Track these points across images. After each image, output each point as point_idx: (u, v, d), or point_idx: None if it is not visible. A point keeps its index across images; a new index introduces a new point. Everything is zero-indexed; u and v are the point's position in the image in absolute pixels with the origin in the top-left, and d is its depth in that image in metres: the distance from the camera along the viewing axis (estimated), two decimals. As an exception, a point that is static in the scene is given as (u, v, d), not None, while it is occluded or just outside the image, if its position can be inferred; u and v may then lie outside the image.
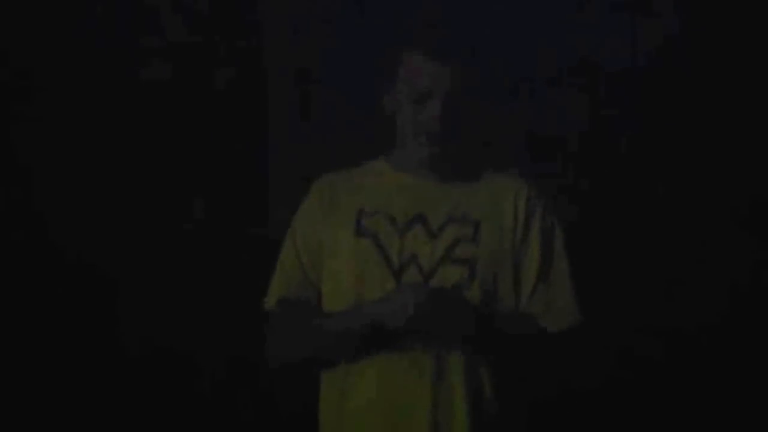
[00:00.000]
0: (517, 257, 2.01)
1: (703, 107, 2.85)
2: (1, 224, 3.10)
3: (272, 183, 3.21)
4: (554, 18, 2.82)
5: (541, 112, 2.93)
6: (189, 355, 3.10)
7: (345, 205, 2.06)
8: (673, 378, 2.69)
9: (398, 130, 2.08)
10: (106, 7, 3.15)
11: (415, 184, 2.06)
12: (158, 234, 3.15)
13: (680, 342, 2.77)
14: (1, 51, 3.12)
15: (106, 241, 3.15)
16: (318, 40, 3.24)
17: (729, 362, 2.70)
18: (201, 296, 3.15)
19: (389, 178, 2.09)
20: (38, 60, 3.14)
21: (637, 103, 2.95)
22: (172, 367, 3.09)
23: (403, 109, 2.04)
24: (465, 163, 2.09)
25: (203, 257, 3.17)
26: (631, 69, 2.95)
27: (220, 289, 3.09)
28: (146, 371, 3.10)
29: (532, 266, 2.02)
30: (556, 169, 3.15)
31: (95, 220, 3.14)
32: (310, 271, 2.06)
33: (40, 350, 3.07)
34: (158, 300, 3.14)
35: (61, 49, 3.15)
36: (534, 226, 2.03)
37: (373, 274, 1.98)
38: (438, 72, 2.00)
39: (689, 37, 2.84)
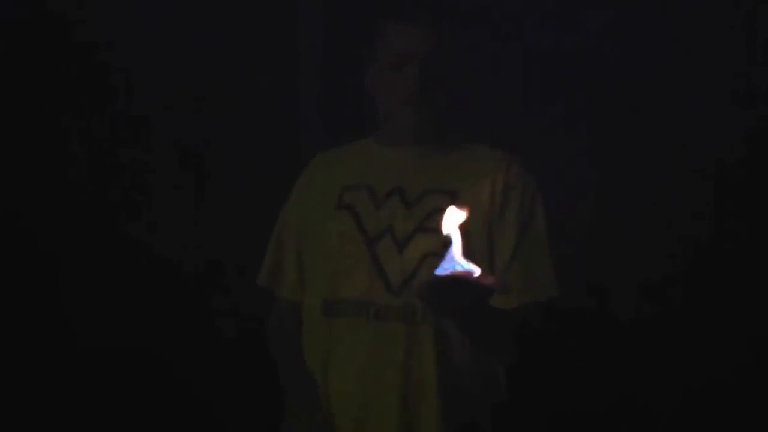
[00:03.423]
0: (493, 229, 2.01)
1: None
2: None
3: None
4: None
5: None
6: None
7: (330, 182, 2.10)
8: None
9: (380, 104, 2.09)
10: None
11: (396, 157, 2.08)
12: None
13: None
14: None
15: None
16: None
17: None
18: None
19: (373, 152, 2.12)
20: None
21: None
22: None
23: (382, 77, 2.05)
24: (448, 134, 2.09)
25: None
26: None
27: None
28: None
29: (508, 239, 2.01)
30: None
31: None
32: (295, 258, 2.12)
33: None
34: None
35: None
36: (513, 199, 2.02)
37: (347, 244, 2.01)
38: (414, 34, 2.01)
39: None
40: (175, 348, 3.07)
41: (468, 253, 1.89)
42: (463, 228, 1.86)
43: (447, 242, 1.89)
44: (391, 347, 1.96)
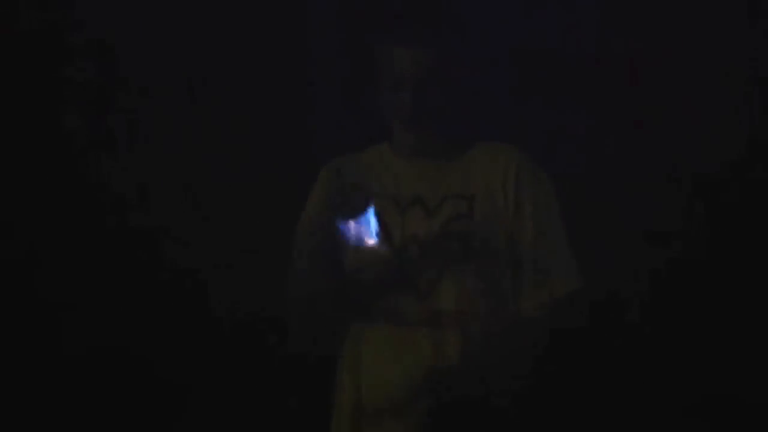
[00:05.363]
0: (511, 227, 2.07)
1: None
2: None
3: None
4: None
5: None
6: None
7: (353, 189, 2.14)
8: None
9: (386, 122, 2.14)
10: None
11: (412, 168, 2.13)
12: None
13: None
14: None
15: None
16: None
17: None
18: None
19: (392, 162, 2.17)
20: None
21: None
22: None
23: (383, 98, 2.11)
24: (456, 140, 2.14)
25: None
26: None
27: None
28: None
29: (526, 236, 2.06)
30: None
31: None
32: (328, 256, 2.13)
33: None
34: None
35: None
36: (525, 196, 2.08)
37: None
38: (408, 57, 2.05)
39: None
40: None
41: (491, 255, 2.03)
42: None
43: (468, 248, 1.99)
44: (418, 352, 2.02)
